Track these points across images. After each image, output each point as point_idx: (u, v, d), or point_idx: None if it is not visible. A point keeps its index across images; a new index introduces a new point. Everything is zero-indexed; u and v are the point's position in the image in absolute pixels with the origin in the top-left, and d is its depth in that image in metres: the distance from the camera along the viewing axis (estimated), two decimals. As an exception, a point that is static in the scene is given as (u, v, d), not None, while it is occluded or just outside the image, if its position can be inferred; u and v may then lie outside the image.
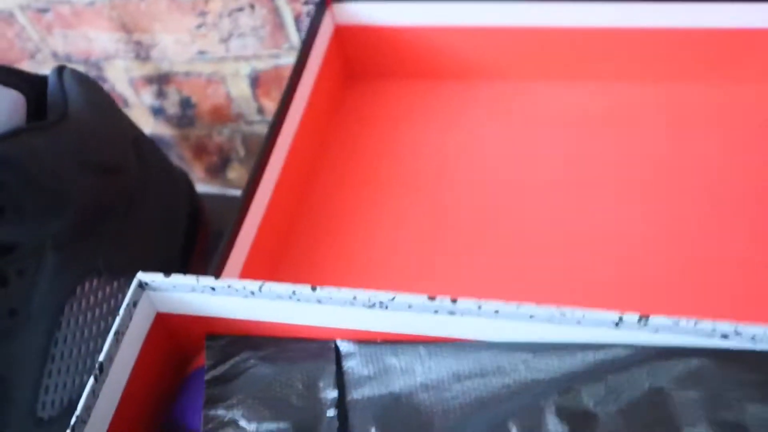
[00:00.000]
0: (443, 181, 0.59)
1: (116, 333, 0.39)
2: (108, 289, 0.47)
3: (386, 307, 0.38)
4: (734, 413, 0.33)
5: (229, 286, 0.40)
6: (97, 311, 0.46)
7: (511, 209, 0.56)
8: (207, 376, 0.41)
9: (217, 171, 0.84)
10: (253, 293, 0.40)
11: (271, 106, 0.76)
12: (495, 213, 0.56)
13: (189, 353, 0.44)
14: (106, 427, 0.38)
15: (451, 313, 0.38)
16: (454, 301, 0.37)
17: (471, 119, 0.63)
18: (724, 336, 0.35)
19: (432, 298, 0.38)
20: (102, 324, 0.47)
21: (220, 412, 0.39)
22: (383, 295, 0.38)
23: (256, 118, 0.78)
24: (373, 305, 0.39)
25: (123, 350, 0.40)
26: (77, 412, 0.36)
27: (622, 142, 0.58)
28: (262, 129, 0.79)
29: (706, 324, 0.35)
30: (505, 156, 0.59)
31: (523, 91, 0.63)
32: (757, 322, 0.34)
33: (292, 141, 0.57)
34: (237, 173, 0.85)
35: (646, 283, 0.48)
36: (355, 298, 0.38)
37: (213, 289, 0.40)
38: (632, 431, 0.34)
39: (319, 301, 0.39)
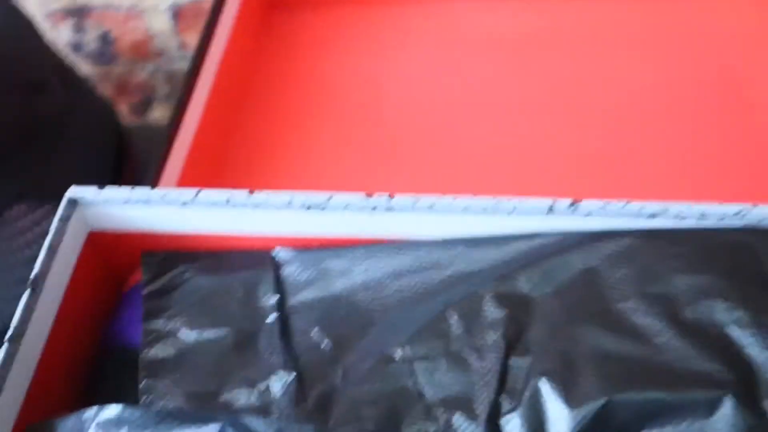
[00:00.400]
0: (374, 102, 0.59)
1: (49, 248, 0.38)
2: (36, 214, 0.46)
3: (323, 208, 0.39)
4: (661, 285, 0.34)
5: (164, 196, 0.39)
6: (27, 236, 0.45)
7: (442, 126, 0.56)
8: (144, 291, 0.40)
9: (141, 111, 0.83)
10: (188, 202, 0.39)
11: (193, 41, 0.75)
12: (424, 128, 0.56)
13: (124, 272, 0.44)
14: (42, 343, 0.38)
15: (389, 209, 0.38)
16: (390, 197, 0.38)
17: (396, 42, 0.63)
18: (652, 215, 0.36)
19: (369, 195, 0.38)
20: (31, 249, 0.46)
21: (160, 324, 0.39)
22: (320, 196, 0.38)
23: (179, 54, 0.76)
24: (310, 207, 0.39)
25: (56, 267, 0.39)
26: (13, 324, 0.35)
27: (550, 58, 0.59)
28: (186, 66, 0.77)
29: (634, 205, 0.36)
30: (433, 75, 0.60)
31: (446, 11, 0.63)
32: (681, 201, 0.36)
33: (215, 75, 0.57)
34: (161, 113, 0.83)
35: (574, 180, 0.49)
36: (291, 200, 0.39)
37: (148, 200, 0.40)
38: (567, 310, 0.35)
39: (256, 206, 0.39)
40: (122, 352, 0.40)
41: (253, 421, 0.31)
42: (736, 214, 0.36)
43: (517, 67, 0.58)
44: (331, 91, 0.60)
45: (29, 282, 0.37)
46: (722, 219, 0.36)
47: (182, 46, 0.75)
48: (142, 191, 0.40)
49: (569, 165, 0.51)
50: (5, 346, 0.35)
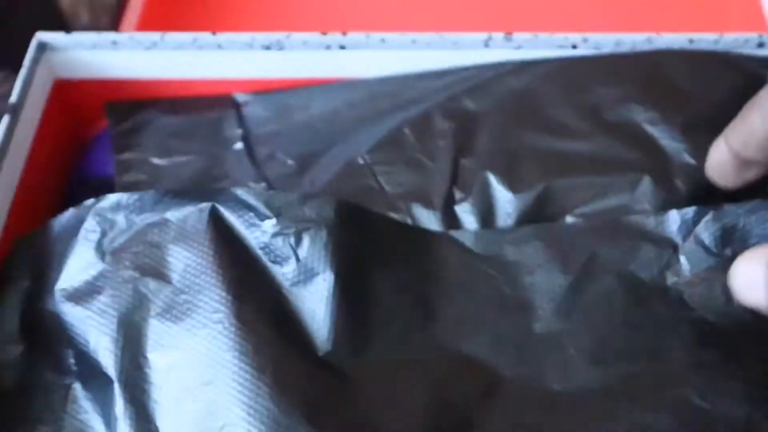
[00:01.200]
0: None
1: (20, 90, 0.40)
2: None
3: (282, 47, 0.42)
4: (588, 96, 0.39)
5: (130, 38, 0.42)
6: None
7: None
8: (112, 132, 0.43)
9: None
10: (155, 44, 0.42)
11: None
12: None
13: (90, 121, 0.46)
14: (20, 169, 0.40)
15: (342, 47, 0.42)
16: (344, 34, 0.42)
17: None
18: (573, 45, 0.41)
19: (324, 34, 0.42)
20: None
21: (131, 155, 0.42)
22: (279, 35, 0.42)
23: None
24: (270, 46, 0.42)
25: (24, 114, 0.41)
26: (-4, 142, 0.37)
27: None
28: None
29: (558, 36, 0.41)
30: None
31: None
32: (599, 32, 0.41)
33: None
34: None
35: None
36: (252, 40, 0.42)
37: (114, 42, 0.42)
38: (507, 119, 0.39)
39: (220, 46, 0.42)
40: (97, 182, 0.42)
41: (243, 194, 0.34)
42: (647, 40, 0.41)
43: None
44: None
45: (8, 107, 0.39)
46: (634, 46, 0.41)
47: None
48: (108, 35, 0.42)
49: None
50: None
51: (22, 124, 0.40)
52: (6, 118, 0.39)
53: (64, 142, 0.45)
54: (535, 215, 0.36)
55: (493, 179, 0.37)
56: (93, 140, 0.45)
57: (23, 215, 0.39)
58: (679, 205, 0.35)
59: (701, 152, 0.36)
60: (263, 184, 0.39)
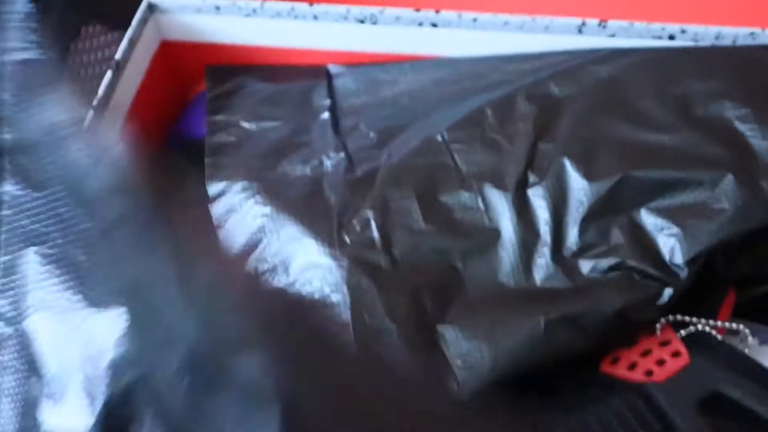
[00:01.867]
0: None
1: (127, 45, 0.42)
2: (111, 36, 0.50)
3: (376, 21, 0.43)
4: (678, 88, 0.38)
5: (232, 4, 0.44)
6: (103, 52, 0.49)
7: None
8: (209, 94, 0.45)
9: None
10: (254, 11, 0.44)
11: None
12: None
13: (192, 82, 0.48)
14: (122, 117, 0.42)
15: (434, 24, 0.42)
16: (437, 11, 0.42)
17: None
18: (671, 36, 0.40)
19: (417, 10, 0.42)
20: (106, 66, 0.50)
21: (223, 117, 0.43)
22: (373, 9, 0.43)
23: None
24: (364, 19, 0.43)
25: (129, 72, 0.43)
26: (99, 94, 0.40)
27: None
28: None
29: (657, 26, 0.40)
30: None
31: None
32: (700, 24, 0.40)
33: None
34: None
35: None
36: (348, 11, 0.43)
37: (218, 8, 0.44)
38: (591, 107, 0.38)
39: (315, 17, 0.43)
40: (189, 142, 0.44)
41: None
42: (750, 35, 0.40)
43: None
44: None
45: (112, 64, 0.42)
46: (736, 39, 0.40)
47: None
48: (212, 0, 0.44)
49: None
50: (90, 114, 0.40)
51: (125, 81, 0.42)
52: (109, 74, 0.41)
53: (165, 100, 0.47)
54: (609, 205, 0.36)
55: (569, 165, 0.37)
56: (192, 101, 0.47)
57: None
58: (762, 207, 0.34)
59: None
60: (342, 154, 0.40)
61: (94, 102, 0.40)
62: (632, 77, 0.39)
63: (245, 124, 0.43)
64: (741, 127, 0.37)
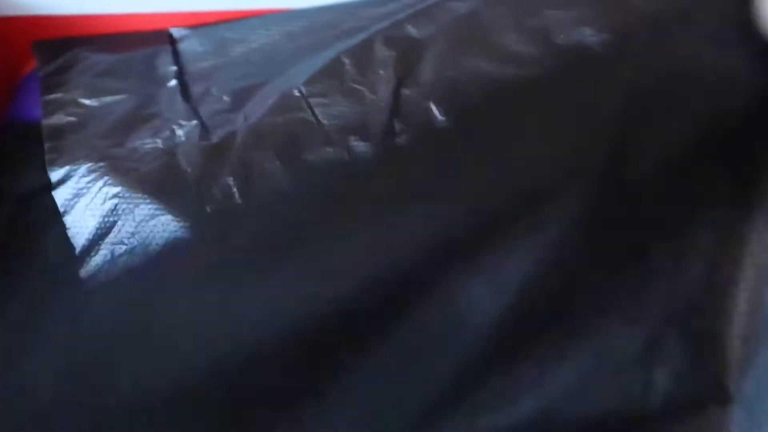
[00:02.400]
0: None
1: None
2: None
3: (216, -25, 0.40)
4: (537, 19, 0.37)
5: (55, -30, 0.40)
6: None
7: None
8: (41, 72, 0.41)
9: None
10: (81, -27, 0.40)
11: None
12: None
13: (18, 61, 0.44)
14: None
15: (279, -26, 0.40)
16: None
17: None
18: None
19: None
20: None
21: (59, 95, 0.40)
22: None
23: None
24: (203, -26, 0.40)
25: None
26: None
27: None
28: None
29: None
30: None
31: None
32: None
33: None
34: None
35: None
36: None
37: (39, -25, 0.40)
38: (452, 46, 0.37)
39: (151, -24, 0.40)
40: (22, 126, 0.40)
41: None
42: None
43: None
44: None
45: None
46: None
47: None
48: (32, -33, 0.40)
49: None
50: None
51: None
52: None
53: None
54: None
55: (435, 110, 0.35)
56: (23, 81, 0.43)
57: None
58: None
59: None
60: (195, 122, 0.37)
61: None
62: (489, 11, 0.38)
63: (85, 101, 0.39)
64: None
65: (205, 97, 0.39)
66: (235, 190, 0.34)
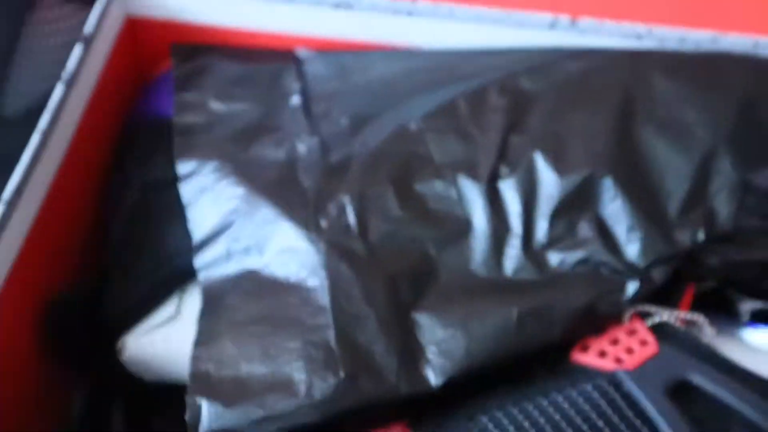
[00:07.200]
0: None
1: (92, 28, 0.41)
2: (69, 7, 0.49)
3: (350, 7, 0.43)
4: (645, 88, 0.39)
5: (204, -19, 0.43)
6: (65, 23, 0.48)
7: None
8: (176, 72, 0.44)
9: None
10: (224, -12, 0.43)
11: None
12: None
13: (156, 60, 0.47)
14: (75, 121, 0.41)
15: (410, 13, 0.43)
16: (413, 1, 0.42)
17: None
18: (639, 36, 0.42)
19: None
20: (67, 36, 0.48)
21: (191, 96, 0.43)
22: (348, -5, 0.43)
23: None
24: (339, 5, 0.43)
25: (95, 48, 0.42)
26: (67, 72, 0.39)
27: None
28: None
29: (626, 25, 0.41)
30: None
31: None
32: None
33: None
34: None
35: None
36: (321, -4, 0.43)
37: (187, -16, 0.43)
38: (562, 102, 0.39)
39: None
40: (154, 121, 0.43)
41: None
42: (711, 40, 0.41)
43: None
44: None
45: (82, 38, 0.40)
46: (699, 44, 0.41)
47: None
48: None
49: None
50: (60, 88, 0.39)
51: (92, 56, 0.41)
52: (79, 47, 0.40)
53: (130, 78, 0.46)
54: (578, 200, 0.37)
55: (540, 159, 0.37)
56: (157, 80, 0.46)
57: (86, 142, 0.41)
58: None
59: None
60: (316, 138, 0.40)
61: (65, 76, 0.39)
62: (598, 76, 0.40)
63: (214, 105, 0.42)
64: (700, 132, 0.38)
65: (325, 118, 0.42)
66: (349, 208, 0.36)
